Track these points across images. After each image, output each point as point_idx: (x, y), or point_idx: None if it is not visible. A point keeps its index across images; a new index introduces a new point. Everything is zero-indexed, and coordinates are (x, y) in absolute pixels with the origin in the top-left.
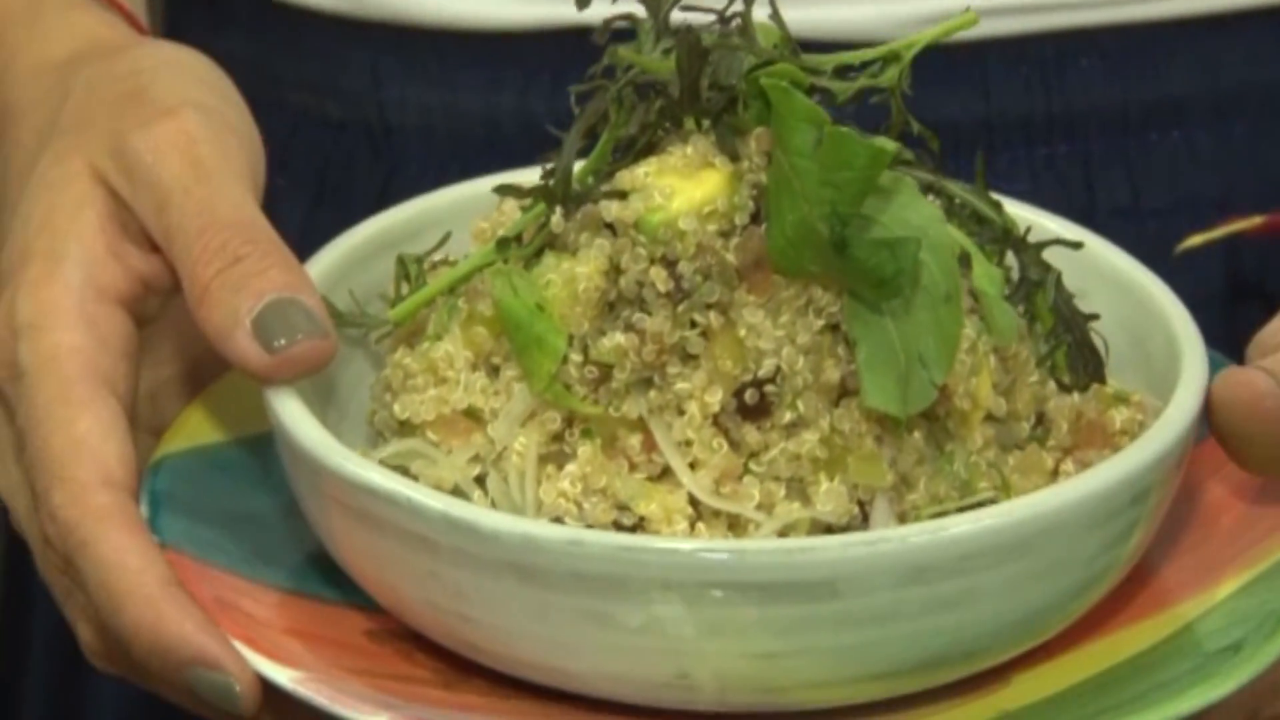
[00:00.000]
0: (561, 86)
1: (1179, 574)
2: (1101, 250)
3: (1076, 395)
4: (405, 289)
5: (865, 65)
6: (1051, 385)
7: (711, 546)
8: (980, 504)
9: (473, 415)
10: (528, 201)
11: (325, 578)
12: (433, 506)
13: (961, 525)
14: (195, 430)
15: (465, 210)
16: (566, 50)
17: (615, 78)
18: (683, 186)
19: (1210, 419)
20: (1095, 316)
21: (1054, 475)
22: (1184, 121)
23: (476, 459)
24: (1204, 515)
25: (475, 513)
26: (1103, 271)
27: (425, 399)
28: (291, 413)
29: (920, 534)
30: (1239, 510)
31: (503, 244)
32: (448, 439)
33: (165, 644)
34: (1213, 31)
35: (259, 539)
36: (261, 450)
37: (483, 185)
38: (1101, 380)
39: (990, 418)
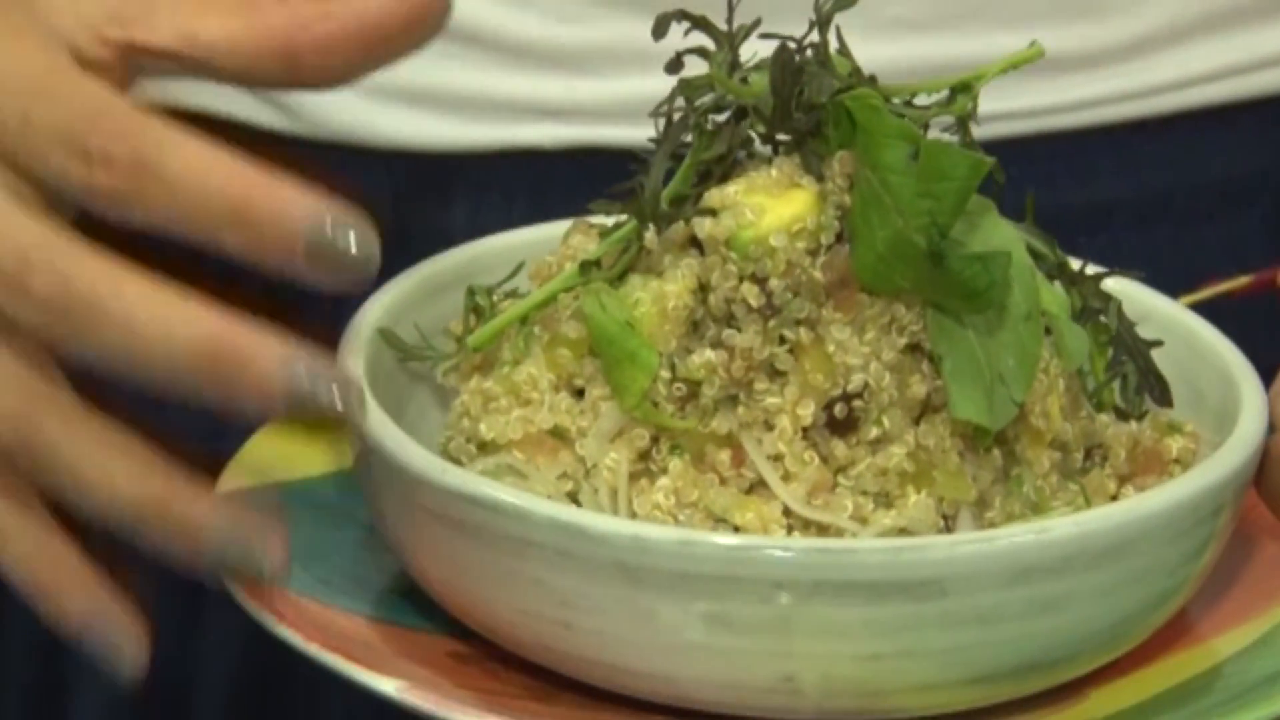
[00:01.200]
0: (512, 203)
1: (1237, 600)
2: (1143, 294)
3: (1134, 423)
4: (474, 320)
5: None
6: (1109, 413)
7: (824, 546)
8: None
9: (558, 435)
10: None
11: (407, 606)
12: (540, 510)
13: (1065, 526)
14: (254, 469)
15: (520, 252)
16: (517, 170)
17: (685, 105)
18: (772, 205)
19: (1265, 474)
20: (1158, 343)
21: (1116, 500)
22: (1111, 224)
23: (565, 476)
24: (1243, 551)
25: (583, 515)
26: (1148, 312)
27: (511, 419)
28: (385, 429)
29: (1025, 534)
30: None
31: (586, 267)
32: (535, 457)
33: (289, 206)
34: (1137, 136)
35: (334, 570)
36: (319, 492)
37: (535, 232)
38: (1170, 405)
39: (1054, 443)
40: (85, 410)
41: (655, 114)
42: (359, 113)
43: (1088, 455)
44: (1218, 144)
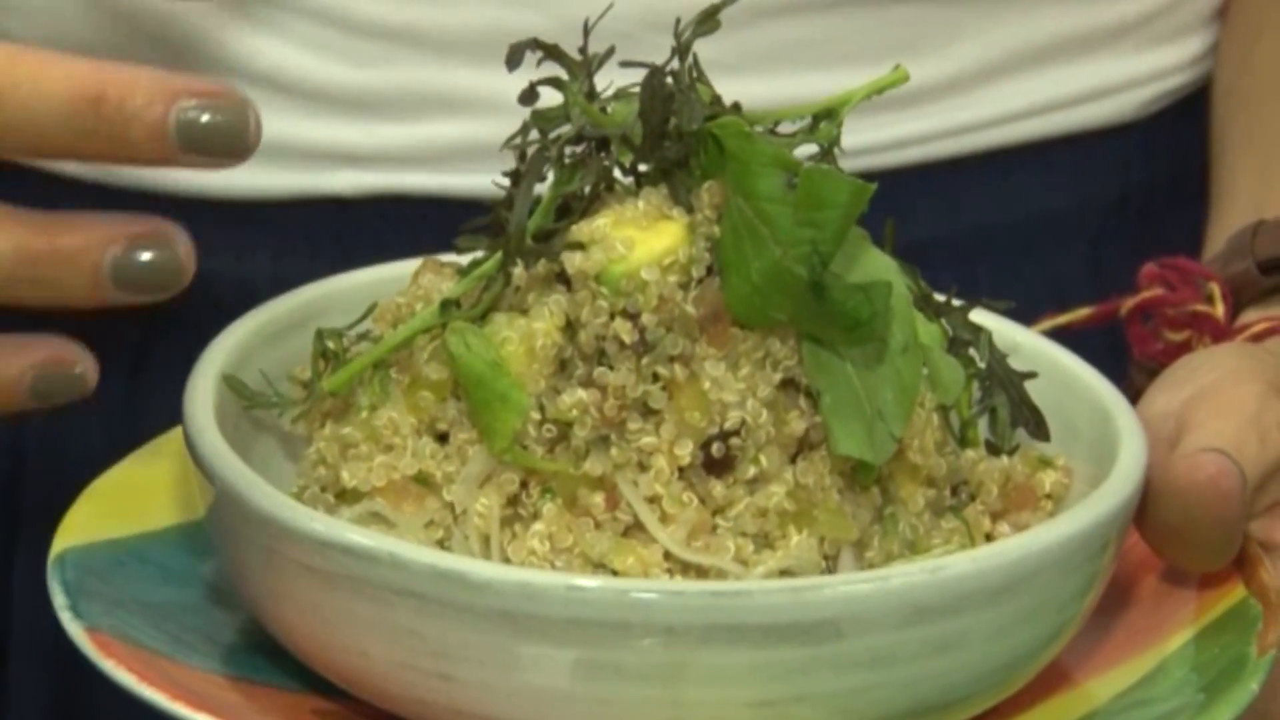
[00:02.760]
0: (316, 252)
1: (1112, 642)
2: (1006, 326)
3: (1005, 458)
4: (323, 365)
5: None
6: (975, 448)
7: (717, 589)
8: None
9: (423, 481)
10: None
11: (265, 663)
12: (418, 558)
13: (961, 564)
14: (87, 527)
15: (364, 292)
16: (320, 218)
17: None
18: (642, 238)
19: (1149, 508)
20: (1032, 375)
21: (989, 539)
22: (931, 262)
23: (433, 524)
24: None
25: (464, 562)
26: (1014, 345)
27: (374, 465)
28: (240, 475)
29: (921, 572)
30: (1151, 583)
31: (446, 306)
32: (399, 505)
33: (152, 84)
34: (954, 174)
35: (184, 626)
36: (159, 547)
37: (378, 272)
38: (1047, 438)
39: (927, 479)
40: None
41: (508, 147)
42: None
43: (954, 492)
44: (1035, 180)
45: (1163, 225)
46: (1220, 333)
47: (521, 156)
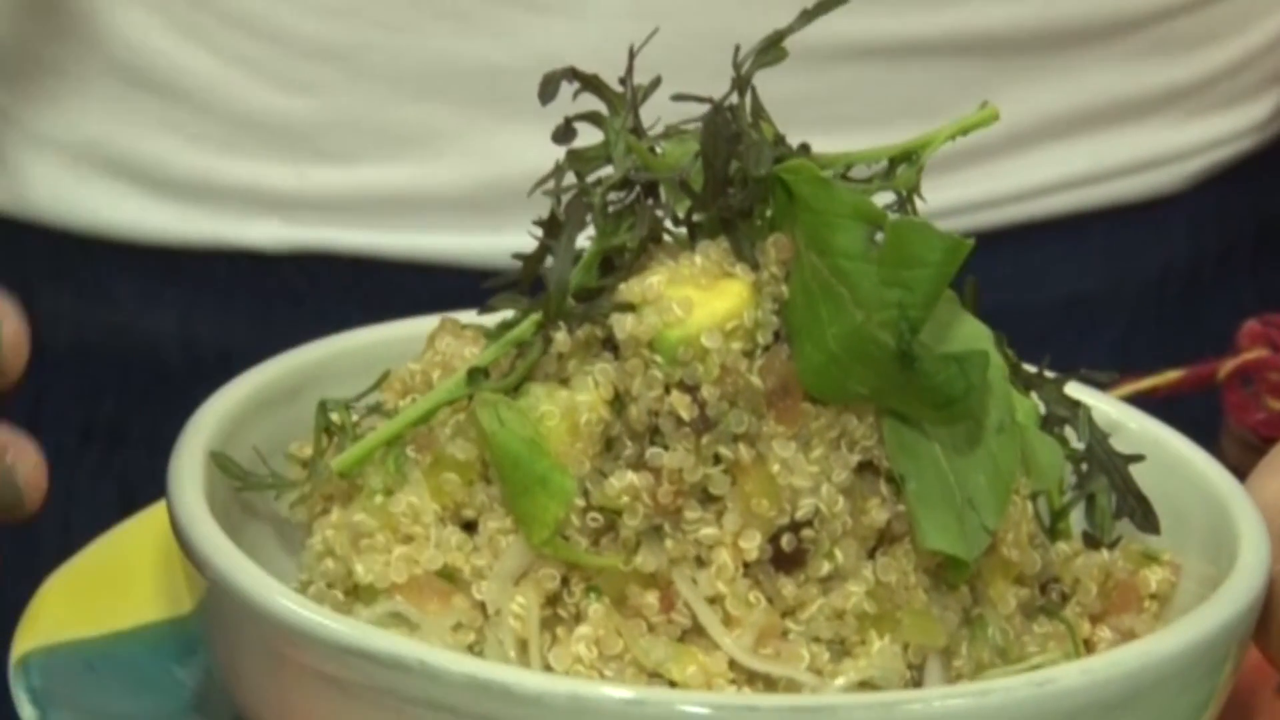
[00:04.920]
0: (228, 309)
1: None
2: (1102, 403)
3: (1105, 552)
4: (326, 441)
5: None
6: (1066, 540)
7: (800, 703)
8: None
9: (449, 576)
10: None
11: None
12: (454, 667)
13: (1070, 676)
14: (52, 625)
15: (365, 356)
16: (237, 272)
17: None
18: (701, 299)
19: (1270, 614)
20: (1138, 458)
21: (1089, 646)
22: None
23: (461, 626)
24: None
25: (508, 673)
26: (1112, 424)
27: (393, 559)
28: (244, 569)
29: (1026, 686)
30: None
31: (474, 375)
32: (422, 604)
33: None
34: (979, 250)
35: None
36: (132, 650)
37: (382, 332)
38: (1157, 530)
39: (1019, 578)
40: None
41: (540, 191)
42: (58, 184)
43: (1043, 590)
44: (1064, 259)
45: (1207, 306)
46: None
47: (556, 203)
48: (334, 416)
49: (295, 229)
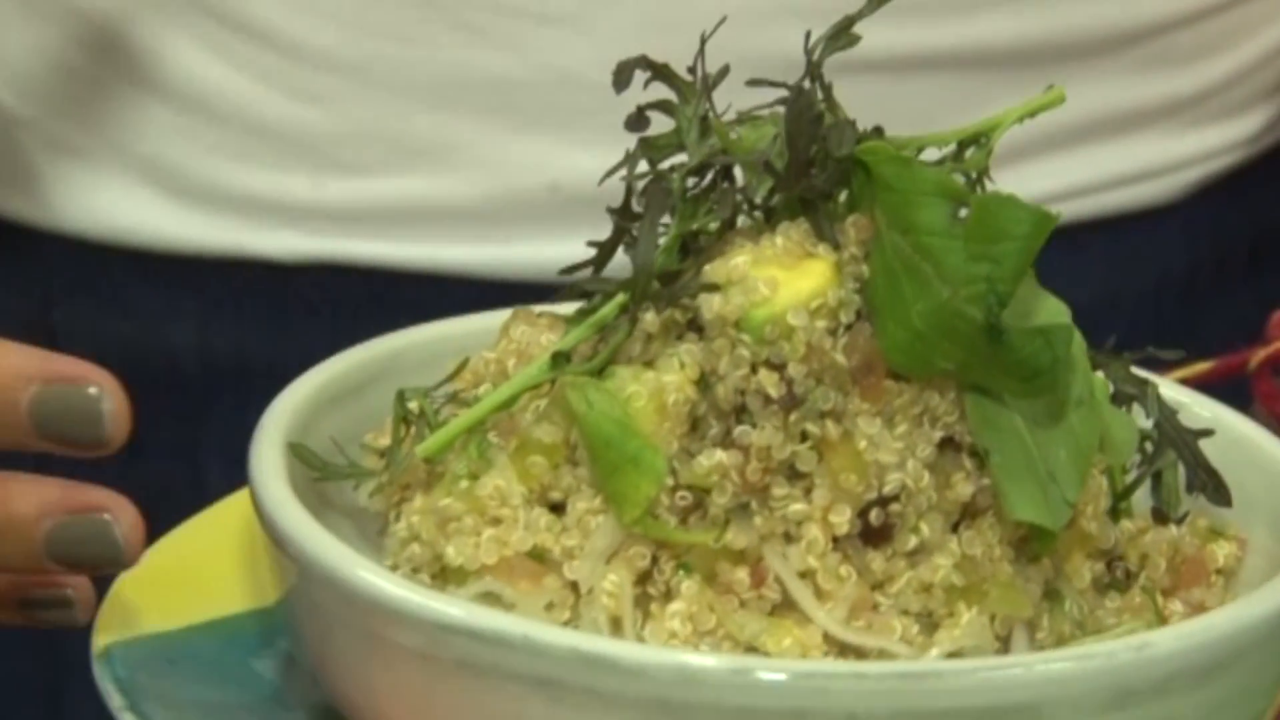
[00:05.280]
0: (245, 320)
1: None
2: (1165, 387)
3: (1173, 528)
4: (404, 430)
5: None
6: (1131, 518)
7: (907, 670)
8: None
9: (538, 556)
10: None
11: None
12: (559, 642)
13: (1168, 640)
14: (129, 619)
15: (435, 348)
16: (251, 281)
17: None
18: (787, 278)
19: None
20: (1208, 433)
21: (1162, 620)
22: None
23: (552, 605)
24: None
25: (614, 646)
26: (1178, 405)
27: (483, 540)
28: (338, 553)
29: (1126, 650)
30: None
31: (558, 359)
32: (513, 584)
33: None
34: None
35: None
36: (208, 644)
37: (449, 326)
38: (1229, 503)
39: (1093, 552)
40: None
41: (617, 177)
42: (77, 192)
43: (1108, 566)
44: (1059, 270)
45: (1202, 316)
46: None
47: (628, 191)
48: (411, 405)
49: (312, 240)
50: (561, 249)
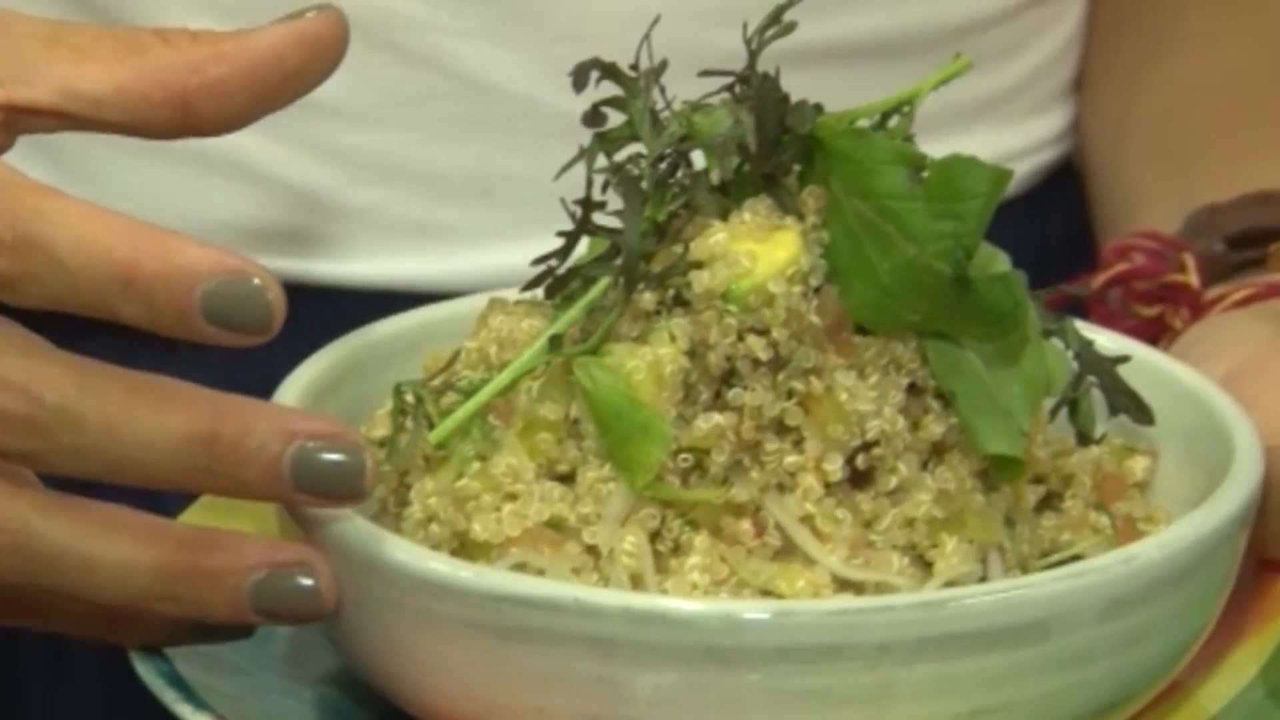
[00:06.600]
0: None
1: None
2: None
3: (1094, 449)
4: (403, 419)
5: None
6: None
7: (929, 599)
8: (1073, 560)
9: (555, 526)
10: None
11: None
12: (609, 602)
13: (1150, 551)
14: None
15: (403, 341)
16: None
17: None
18: (762, 250)
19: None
20: (1125, 359)
21: (1096, 533)
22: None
23: (575, 569)
24: None
25: (662, 601)
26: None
27: (505, 515)
28: (376, 534)
29: (1115, 564)
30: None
31: (555, 342)
32: (539, 553)
33: (179, 261)
34: None
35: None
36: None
37: (417, 316)
38: (1152, 422)
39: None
40: (70, 502)
41: (598, 171)
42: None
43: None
44: None
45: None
46: (1196, 305)
47: (589, 183)
48: (408, 397)
49: (260, 260)
50: (500, 258)
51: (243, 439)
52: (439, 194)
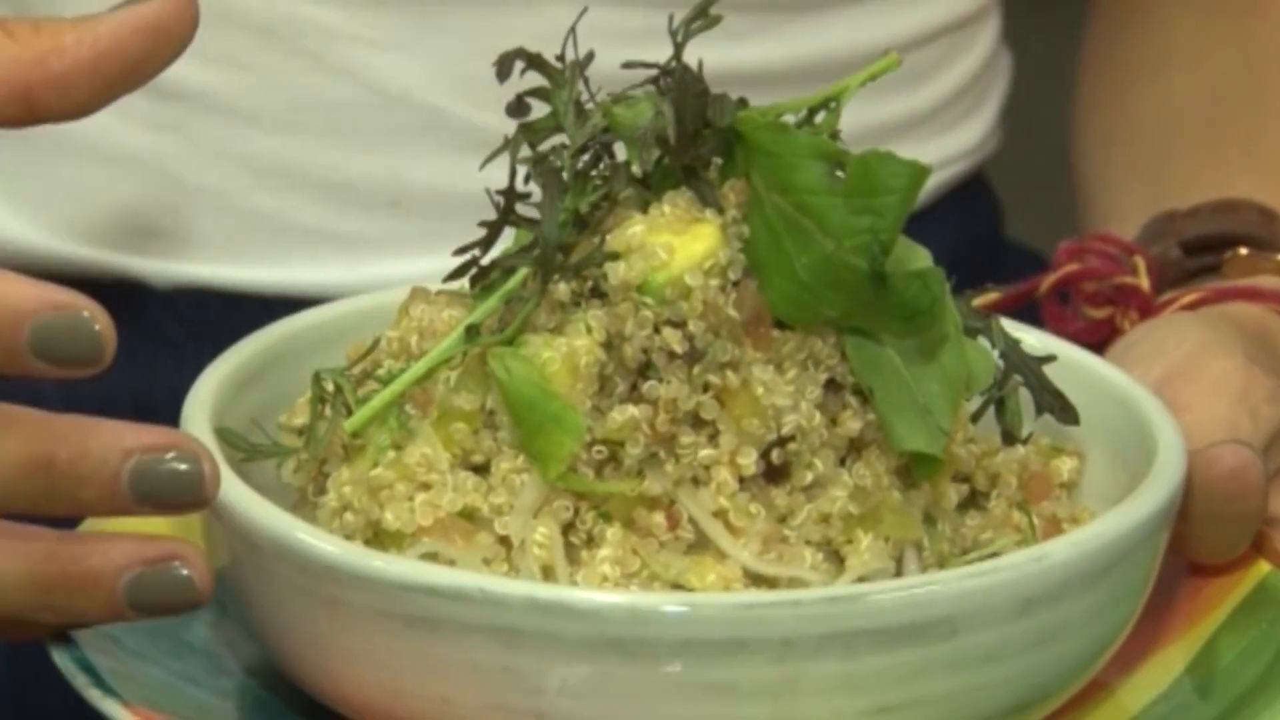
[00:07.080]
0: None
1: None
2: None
3: (1020, 448)
4: (322, 408)
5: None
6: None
7: (835, 594)
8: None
9: (468, 516)
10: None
11: None
12: (514, 592)
13: (1062, 550)
14: None
15: (325, 332)
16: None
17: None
18: (680, 243)
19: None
20: (1050, 359)
21: (1022, 533)
22: None
23: (486, 560)
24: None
25: (566, 592)
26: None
27: (417, 505)
28: (289, 523)
29: (1028, 562)
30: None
31: (472, 332)
32: (450, 543)
33: (6, 300)
34: None
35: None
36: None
37: (339, 308)
38: (1077, 421)
39: (956, 475)
40: None
41: (499, 159)
42: None
43: (968, 486)
44: None
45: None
46: (1147, 307)
47: (512, 173)
48: (328, 385)
49: (168, 265)
50: (407, 269)
51: (79, 461)
52: (347, 203)
